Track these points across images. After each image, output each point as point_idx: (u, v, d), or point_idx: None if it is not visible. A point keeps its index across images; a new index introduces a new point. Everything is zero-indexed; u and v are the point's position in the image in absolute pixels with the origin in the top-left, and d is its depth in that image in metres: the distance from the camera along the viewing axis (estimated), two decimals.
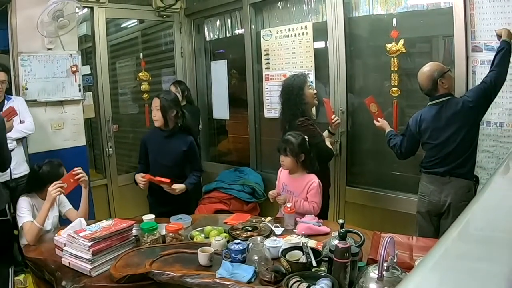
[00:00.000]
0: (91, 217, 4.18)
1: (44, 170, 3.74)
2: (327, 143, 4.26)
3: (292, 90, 4.18)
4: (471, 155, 3.66)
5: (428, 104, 3.76)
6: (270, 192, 3.94)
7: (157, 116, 4.21)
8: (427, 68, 3.69)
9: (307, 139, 3.83)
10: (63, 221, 3.89)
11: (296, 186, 3.86)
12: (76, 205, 3.92)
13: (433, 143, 3.70)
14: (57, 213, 3.86)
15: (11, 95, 4.88)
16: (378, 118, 4.23)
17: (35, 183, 3.77)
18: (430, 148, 3.75)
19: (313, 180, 3.79)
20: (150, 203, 4.44)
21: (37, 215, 3.51)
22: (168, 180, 4.04)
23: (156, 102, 4.19)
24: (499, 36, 3.53)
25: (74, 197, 3.90)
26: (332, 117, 4.37)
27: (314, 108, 4.65)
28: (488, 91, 3.50)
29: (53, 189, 3.54)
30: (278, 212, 4.01)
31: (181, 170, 4.32)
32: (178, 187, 4.13)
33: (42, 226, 3.47)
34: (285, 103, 4.24)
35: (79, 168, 3.78)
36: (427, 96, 3.76)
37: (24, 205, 3.60)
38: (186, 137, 4.30)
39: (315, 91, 4.32)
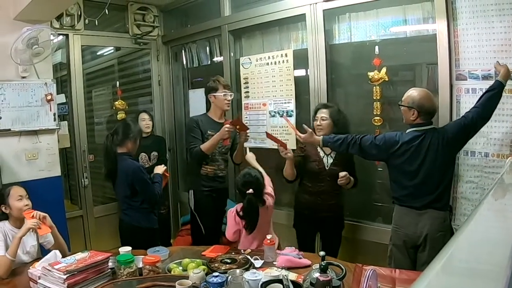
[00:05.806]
0: None
1: None
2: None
3: None
4: (447, 188, 3.61)
5: (410, 130, 3.63)
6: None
7: None
8: (425, 90, 3.64)
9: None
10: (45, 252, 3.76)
11: None
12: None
13: (406, 169, 3.59)
14: (35, 242, 3.71)
15: None
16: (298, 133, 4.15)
17: None
18: (402, 173, 3.64)
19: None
20: None
21: (9, 246, 3.41)
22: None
23: None
24: (496, 70, 3.52)
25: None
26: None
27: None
28: (468, 128, 3.47)
29: (30, 220, 3.46)
30: None
31: None
32: None
33: (14, 258, 3.36)
34: None
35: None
36: (429, 115, 3.59)
37: None
38: None
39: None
